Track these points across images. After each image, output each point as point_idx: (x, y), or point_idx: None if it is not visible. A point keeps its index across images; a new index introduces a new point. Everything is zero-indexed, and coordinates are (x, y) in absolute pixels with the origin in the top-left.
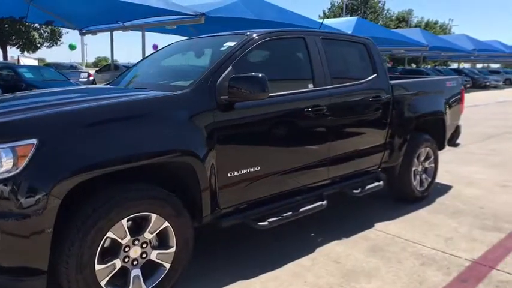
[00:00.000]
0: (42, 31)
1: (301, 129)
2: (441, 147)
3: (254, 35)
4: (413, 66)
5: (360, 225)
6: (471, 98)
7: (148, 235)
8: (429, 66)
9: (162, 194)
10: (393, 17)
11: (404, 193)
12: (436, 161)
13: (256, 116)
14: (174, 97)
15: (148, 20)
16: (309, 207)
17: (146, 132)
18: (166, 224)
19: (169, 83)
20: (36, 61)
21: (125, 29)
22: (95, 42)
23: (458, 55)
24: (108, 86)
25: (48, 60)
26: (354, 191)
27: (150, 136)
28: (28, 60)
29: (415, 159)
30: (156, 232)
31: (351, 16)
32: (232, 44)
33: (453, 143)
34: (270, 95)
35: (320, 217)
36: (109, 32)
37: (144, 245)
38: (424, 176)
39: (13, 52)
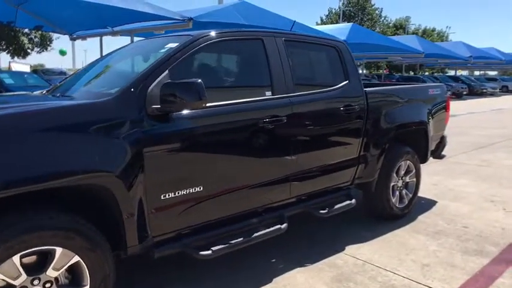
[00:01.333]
0: (32, 36)
1: (255, 142)
2: (424, 160)
3: (200, 35)
4: (412, 73)
5: (328, 249)
6: (467, 106)
7: (52, 272)
8: (427, 73)
9: (68, 222)
10: (390, 24)
11: (382, 211)
12: (418, 175)
13: (198, 129)
14: (91, 106)
15: (137, 25)
16: (265, 231)
17: (49, 148)
18: (77, 258)
19: (103, 91)
20: (29, 66)
21: (114, 34)
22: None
23: (455, 62)
24: (41, 93)
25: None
26: (321, 211)
27: (53, 153)
28: (20, 66)
29: (394, 174)
30: (64, 268)
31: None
32: (173, 45)
33: (438, 154)
34: (217, 104)
35: (284, 239)
36: (99, 38)
37: (48, 285)
38: (404, 191)
39: (4, 57)
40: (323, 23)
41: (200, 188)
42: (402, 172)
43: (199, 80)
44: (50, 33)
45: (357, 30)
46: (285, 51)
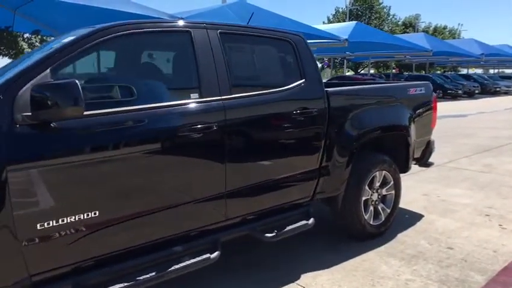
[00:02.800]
0: (33, 41)
1: (172, 155)
2: (404, 170)
3: (104, 26)
4: (423, 72)
5: (280, 277)
6: (478, 105)
7: None
8: (439, 72)
9: None
10: (399, 23)
11: (352, 229)
12: (397, 187)
13: (91, 141)
14: None
15: None
16: (188, 262)
17: None
18: None
19: None
20: None
21: None
22: None
23: (467, 60)
24: None
25: None
26: (267, 234)
27: None
28: None
29: (366, 187)
30: None
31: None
32: (68, 39)
33: (424, 162)
34: (120, 109)
35: (227, 265)
36: None
37: None
38: (380, 206)
39: (5, 62)
40: (330, 22)
41: (95, 213)
42: (377, 184)
43: (75, 81)
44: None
45: (361, 28)
46: (220, 45)
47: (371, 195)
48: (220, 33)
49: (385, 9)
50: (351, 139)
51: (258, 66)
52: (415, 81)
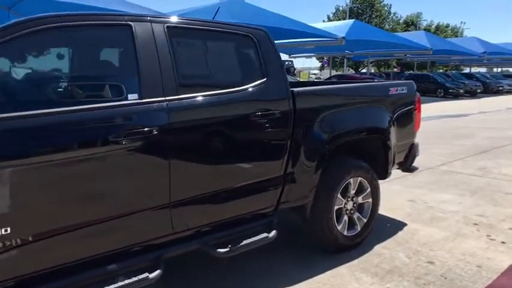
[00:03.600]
0: None
1: (103, 162)
2: (384, 176)
3: (26, 19)
4: (424, 71)
5: None
6: (479, 104)
7: None
8: (441, 71)
9: None
10: (401, 21)
11: (323, 241)
12: (375, 195)
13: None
14: None
15: None
16: (121, 284)
17: None
18: None
19: None
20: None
21: None
22: None
23: (469, 59)
24: None
25: None
26: (220, 249)
27: None
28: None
29: (338, 195)
30: None
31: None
32: None
33: (407, 167)
34: (41, 112)
35: (181, 277)
36: None
37: None
38: (356, 216)
39: None
40: (330, 21)
41: (7, 230)
42: (352, 192)
43: None
44: None
45: (359, 26)
46: (167, 41)
47: (345, 203)
48: (168, 27)
49: (386, 8)
50: (320, 143)
51: (213, 64)
52: (415, 79)
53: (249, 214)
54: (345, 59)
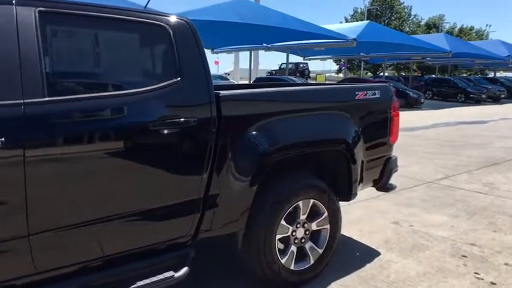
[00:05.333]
0: None
1: None
2: (347, 197)
3: None
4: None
5: None
6: (503, 110)
7: None
8: (464, 75)
9: None
10: (422, 23)
11: (261, 277)
12: (334, 220)
13: None
14: None
15: None
16: None
17: None
18: None
19: None
20: None
21: None
22: None
23: (494, 63)
24: None
25: None
26: None
27: None
28: None
29: (282, 221)
30: None
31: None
32: None
33: (383, 185)
34: None
35: None
36: None
37: None
38: (308, 245)
39: None
40: (347, 23)
41: None
42: (302, 217)
43: None
44: None
45: (373, 28)
46: (37, 29)
47: (293, 231)
48: (40, 12)
49: (406, 10)
50: (254, 159)
51: (106, 60)
52: (435, 84)
53: (154, 245)
54: (362, 62)
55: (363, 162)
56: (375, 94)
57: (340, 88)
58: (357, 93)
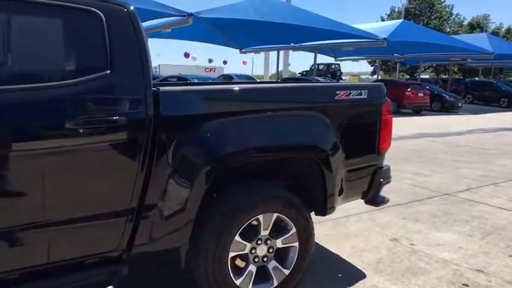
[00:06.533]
0: None
1: None
2: (322, 211)
3: None
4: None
5: None
6: None
7: None
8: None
9: None
10: (464, 23)
11: None
12: (303, 237)
13: None
14: None
15: (149, 25)
16: None
17: None
18: None
19: None
20: None
21: None
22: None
23: None
24: None
25: None
26: None
27: None
28: None
29: (237, 236)
30: None
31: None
32: None
33: (371, 198)
34: None
35: None
36: None
37: None
38: (272, 265)
39: None
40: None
41: None
42: (264, 233)
43: None
44: None
45: (407, 27)
46: None
47: (252, 248)
48: None
49: (447, 9)
50: (199, 166)
51: (21, 49)
52: (476, 87)
53: (77, 259)
54: (398, 64)
55: (343, 172)
56: (360, 94)
57: (316, 87)
58: (337, 92)
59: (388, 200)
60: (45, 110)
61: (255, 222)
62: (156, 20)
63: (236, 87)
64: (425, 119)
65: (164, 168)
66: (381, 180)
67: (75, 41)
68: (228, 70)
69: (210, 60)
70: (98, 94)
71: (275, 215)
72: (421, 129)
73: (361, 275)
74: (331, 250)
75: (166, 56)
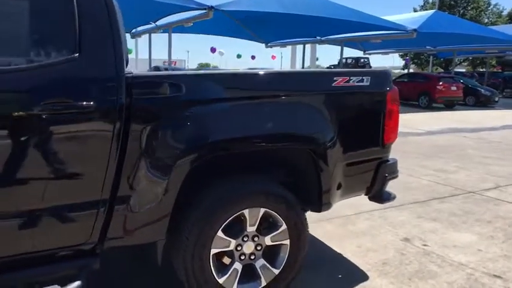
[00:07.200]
0: None
1: None
2: (317, 207)
3: None
4: None
5: None
6: None
7: None
8: None
9: None
10: (503, 14)
11: None
12: (295, 234)
13: None
14: None
15: (172, 19)
16: None
17: None
18: None
19: None
20: None
21: (156, 30)
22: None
23: None
24: None
25: None
26: None
27: None
28: None
29: (219, 232)
30: None
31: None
32: None
33: (376, 194)
34: None
35: None
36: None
37: None
38: (260, 264)
39: None
40: None
41: None
42: (250, 229)
43: None
44: None
45: (439, 18)
46: None
47: (237, 245)
48: None
49: None
50: (175, 157)
51: None
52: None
53: (45, 252)
54: (431, 57)
55: (341, 165)
56: (362, 81)
57: (310, 73)
58: (335, 79)
59: (394, 197)
60: (6, 95)
61: (239, 218)
62: (178, 14)
63: (217, 72)
64: (458, 114)
65: (138, 158)
66: (386, 175)
67: (41, 20)
68: (256, 65)
69: (239, 56)
70: (65, 78)
71: (262, 210)
72: (452, 124)
73: (363, 277)
74: (335, 249)
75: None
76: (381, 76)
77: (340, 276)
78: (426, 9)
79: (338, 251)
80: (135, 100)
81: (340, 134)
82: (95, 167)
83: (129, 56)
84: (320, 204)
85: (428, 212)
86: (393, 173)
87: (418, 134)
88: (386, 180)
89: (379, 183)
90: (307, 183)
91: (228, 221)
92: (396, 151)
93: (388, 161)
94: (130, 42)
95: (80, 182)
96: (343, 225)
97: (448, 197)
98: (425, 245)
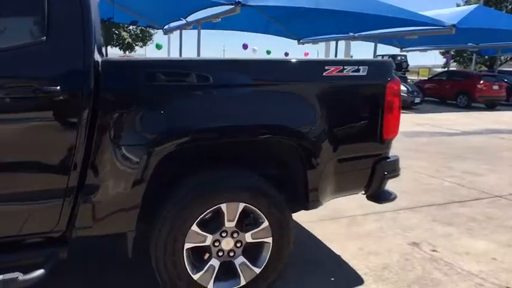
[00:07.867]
0: (132, 32)
1: None
2: (303, 204)
3: None
4: None
5: None
6: None
7: None
8: None
9: None
10: None
11: None
12: (278, 232)
13: None
14: None
15: (201, 16)
16: None
17: None
18: None
19: None
20: None
21: (186, 26)
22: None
23: None
24: None
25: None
26: None
27: None
28: None
29: (194, 226)
30: None
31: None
32: None
33: (374, 193)
34: None
35: None
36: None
37: None
38: (239, 261)
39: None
40: None
41: None
42: (229, 224)
43: None
44: (150, 28)
45: (482, 13)
46: None
47: (215, 241)
48: None
49: None
50: (144, 146)
51: None
52: None
53: (8, 238)
54: (473, 54)
55: (332, 161)
56: (357, 71)
57: (297, 62)
58: (326, 68)
59: (395, 197)
60: None
61: (216, 213)
62: (206, 10)
63: (194, 59)
64: (498, 114)
65: (106, 147)
66: (385, 173)
67: (9, 2)
68: None
69: (268, 52)
70: (32, 62)
71: (242, 205)
72: (490, 124)
73: (358, 281)
74: (334, 250)
75: (231, 49)
76: (381, 67)
77: (332, 279)
78: (470, 4)
79: (337, 252)
80: (104, 86)
81: (331, 128)
82: (61, 154)
83: (160, 51)
84: (307, 201)
85: (445, 215)
86: (394, 171)
87: (451, 135)
88: (385, 178)
89: (377, 182)
90: (293, 179)
91: (203, 214)
92: (423, 152)
93: (388, 158)
94: (163, 39)
95: (45, 169)
96: (348, 225)
97: (470, 201)
98: (434, 251)
